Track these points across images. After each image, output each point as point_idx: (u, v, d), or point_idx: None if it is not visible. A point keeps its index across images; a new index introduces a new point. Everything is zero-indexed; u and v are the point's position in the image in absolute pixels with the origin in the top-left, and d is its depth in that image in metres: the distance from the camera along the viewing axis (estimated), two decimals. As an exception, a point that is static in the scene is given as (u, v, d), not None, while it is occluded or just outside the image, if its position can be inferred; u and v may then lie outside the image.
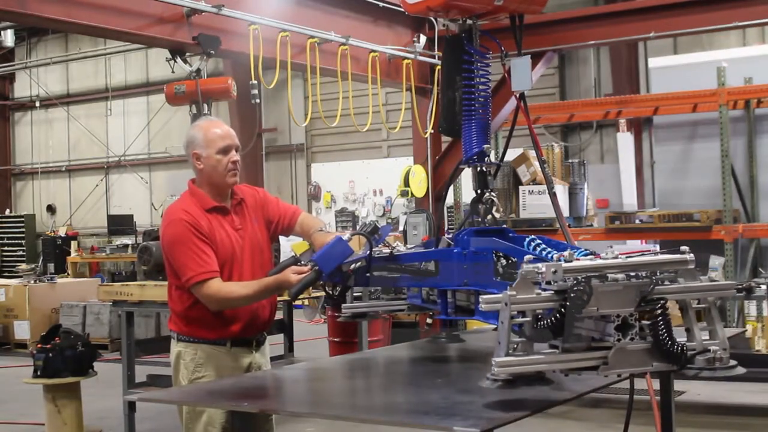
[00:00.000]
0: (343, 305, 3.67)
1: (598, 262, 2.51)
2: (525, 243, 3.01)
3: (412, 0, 3.39)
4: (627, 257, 2.55)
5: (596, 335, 2.49)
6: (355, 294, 3.62)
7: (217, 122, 3.78)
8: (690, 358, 2.52)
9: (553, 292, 2.42)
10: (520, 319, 2.44)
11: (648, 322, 2.48)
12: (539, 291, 2.43)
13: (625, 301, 2.45)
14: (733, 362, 2.56)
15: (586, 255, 2.63)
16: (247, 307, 3.65)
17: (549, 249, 2.90)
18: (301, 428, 6.83)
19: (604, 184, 13.56)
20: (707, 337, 2.60)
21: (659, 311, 2.48)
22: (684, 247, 2.58)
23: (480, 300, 2.49)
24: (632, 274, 2.48)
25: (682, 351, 2.50)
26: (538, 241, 3.00)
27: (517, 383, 2.44)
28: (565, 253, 2.53)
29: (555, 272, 2.41)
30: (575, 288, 2.38)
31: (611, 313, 2.45)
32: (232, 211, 3.74)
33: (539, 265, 2.45)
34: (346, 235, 3.38)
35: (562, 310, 2.38)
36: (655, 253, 2.59)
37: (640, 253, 2.59)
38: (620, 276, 2.46)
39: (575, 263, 2.47)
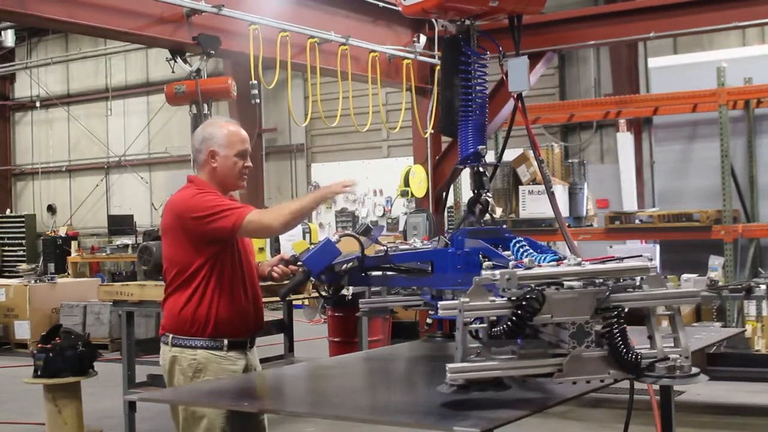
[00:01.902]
0: (361, 300, 3.71)
1: (555, 269, 2.51)
2: (511, 245, 3.04)
3: (407, 2, 3.40)
4: (589, 264, 2.54)
5: (555, 342, 2.50)
6: (373, 289, 3.64)
7: (236, 123, 3.78)
8: (650, 366, 2.49)
9: (506, 299, 2.43)
10: (476, 325, 2.46)
11: (603, 329, 2.47)
12: (493, 298, 2.44)
13: (580, 308, 2.45)
14: (695, 370, 2.52)
15: (551, 261, 2.64)
16: (243, 307, 3.64)
17: (531, 252, 2.92)
18: (301, 428, 6.83)
19: (604, 184, 13.56)
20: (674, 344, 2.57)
21: (614, 319, 2.46)
22: (646, 254, 2.58)
23: (438, 306, 2.52)
24: (595, 281, 2.47)
25: (635, 359, 2.47)
26: (523, 243, 3.02)
27: (470, 388, 2.46)
28: (525, 260, 2.54)
29: (509, 279, 2.42)
30: (527, 296, 2.40)
31: (566, 321, 2.45)
32: None
33: (495, 272, 2.46)
34: (334, 237, 3.40)
35: (513, 318, 2.40)
36: (620, 260, 2.57)
37: (601, 260, 2.57)
38: (576, 283, 2.46)
39: (530, 271, 2.47)
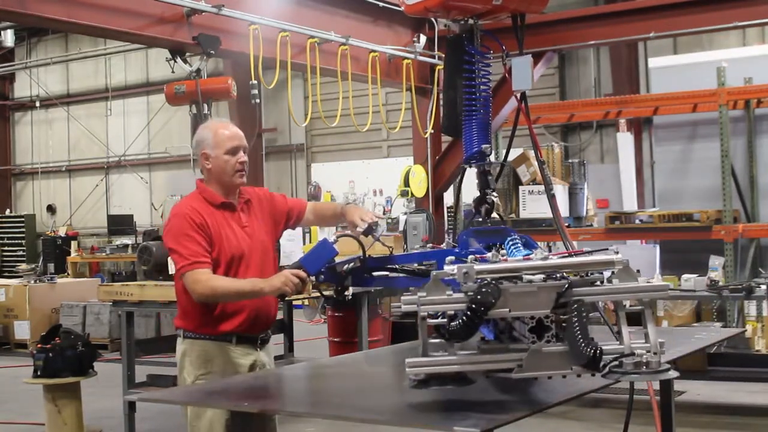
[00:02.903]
0: (393, 304, 3.71)
1: (516, 264, 2.48)
2: (506, 243, 3.04)
3: (410, 0, 3.40)
4: (557, 258, 2.51)
5: (517, 336, 2.48)
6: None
7: (227, 123, 3.86)
8: (617, 362, 2.44)
9: (463, 293, 2.41)
10: (435, 321, 2.46)
11: (561, 324, 2.43)
12: (450, 292, 2.43)
13: (539, 302, 2.42)
14: (664, 366, 2.46)
15: (519, 257, 2.62)
16: (252, 303, 3.67)
17: (520, 249, 2.92)
18: (302, 428, 6.83)
19: (604, 184, 13.56)
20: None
21: (573, 313, 2.41)
22: (613, 247, 2.54)
23: (401, 301, 2.51)
24: (556, 275, 2.43)
25: (594, 355, 2.40)
26: (516, 241, 3.02)
27: (430, 383, 2.46)
28: (489, 254, 2.52)
29: (466, 273, 2.41)
30: (482, 289, 2.37)
31: (524, 315, 2.43)
32: (239, 209, 3.79)
33: (453, 266, 2.45)
34: (332, 237, 3.41)
35: (468, 312, 2.37)
36: (589, 253, 2.53)
37: (568, 255, 2.54)
38: (536, 277, 2.43)
39: (489, 265, 2.45)
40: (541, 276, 2.44)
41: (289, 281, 3.41)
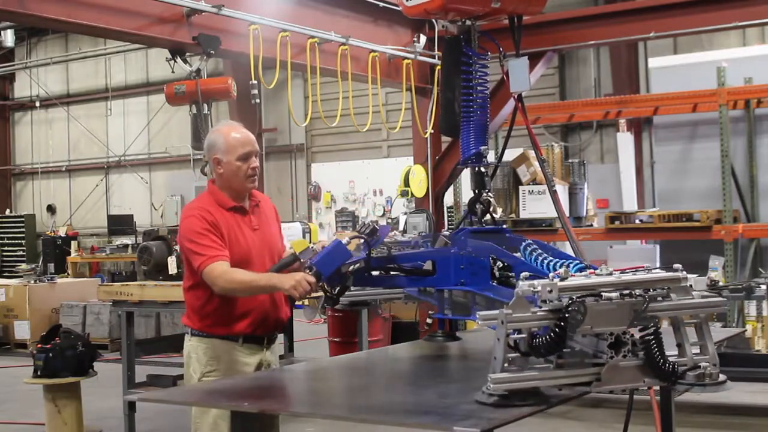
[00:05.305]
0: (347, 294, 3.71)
1: (593, 280, 2.55)
2: (521, 248, 3.03)
3: (410, 3, 3.40)
4: (621, 274, 2.58)
5: (590, 351, 2.55)
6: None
7: (238, 127, 3.86)
8: (681, 374, 2.56)
9: (548, 311, 2.48)
10: (515, 336, 2.50)
11: (640, 340, 2.53)
12: (535, 309, 2.49)
13: (618, 319, 2.50)
14: (722, 377, 2.60)
15: (580, 269, 2.67)
16: (260, 305, 3.70)
17: (545, 256, 2.92)
18: (301, 428, 6.84)
19: (604, 184, 13.56)
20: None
21: (651, 329, 2.52)
22: (677, 265, 2.64)
23: (477, 316, 2.57)
24: (626, 292, 2.53)
25: (672, 368, 2.54)
26: (534, 246, 3.02)
27: (511, 398, 2.50)
28: (561, 270, 2.56)
29: (551, 291, 2.47)
30: (570, 308, 2.43)
31: (605, 331, 2.50)
32: (250, 212, 3.82)
33: (535, 283, 2.50)
34: (344, 239, 3.40)
35: (557, 329, 2.44)
36: (648, 270, 2.62)
37: (633, 270, 2.61)
38: (614, 294, 2.50)
39: (570, 282, 2.52)
40: (617, 293, 2.52)
41: (299, 286, 3.39)
